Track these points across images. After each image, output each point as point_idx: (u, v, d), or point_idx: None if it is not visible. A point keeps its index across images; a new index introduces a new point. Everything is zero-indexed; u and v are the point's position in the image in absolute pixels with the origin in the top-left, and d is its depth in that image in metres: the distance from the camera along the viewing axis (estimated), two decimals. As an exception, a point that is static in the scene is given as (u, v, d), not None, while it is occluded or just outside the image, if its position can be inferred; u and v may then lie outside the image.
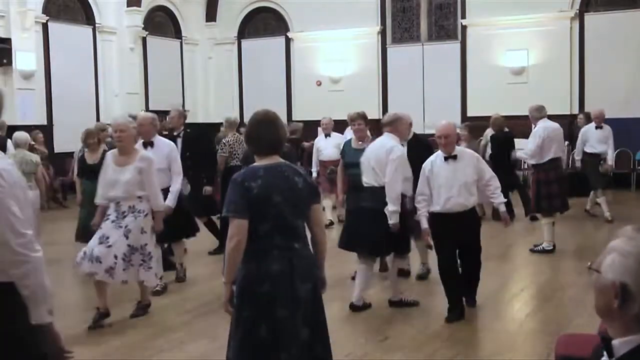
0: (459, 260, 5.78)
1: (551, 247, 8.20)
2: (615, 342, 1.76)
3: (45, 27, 14.47)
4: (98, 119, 14.39)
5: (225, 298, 3.30)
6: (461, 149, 5.85)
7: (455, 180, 5.56)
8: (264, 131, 3.37)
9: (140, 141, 6.55)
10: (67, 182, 13.07)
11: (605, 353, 1.77)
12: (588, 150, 10.31)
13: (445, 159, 5.62)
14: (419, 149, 6.39)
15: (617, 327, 1.76)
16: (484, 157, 8.59)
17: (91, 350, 5.05)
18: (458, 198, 5.57)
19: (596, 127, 10.33)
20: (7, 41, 13.27)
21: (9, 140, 8.73)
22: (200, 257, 8.10)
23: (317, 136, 10.96)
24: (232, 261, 3.24)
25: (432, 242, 5.81)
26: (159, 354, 4.99)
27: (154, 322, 5.76)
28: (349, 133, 8.70)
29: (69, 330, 5.48)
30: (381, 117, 15.43)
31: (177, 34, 18.16)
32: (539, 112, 8.32)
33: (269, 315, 3.20)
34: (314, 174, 10.00)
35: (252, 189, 3.21)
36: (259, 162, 3.35)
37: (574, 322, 5.29)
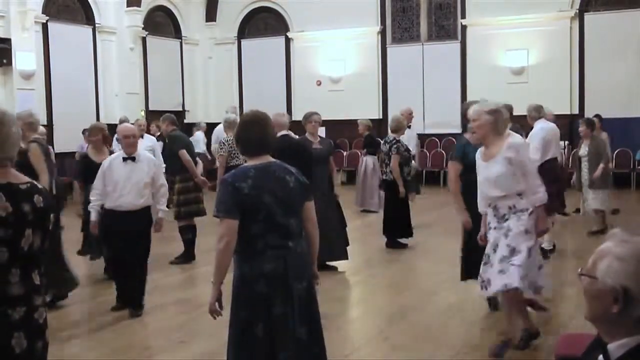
0: None
1: (551, 247, 8.20)
2: (611, 346, 1.75)
3: (45, 27, 14.46)
4: (98, 119, 14.40)
5: (212, 298, 3.29)
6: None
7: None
8: (253, 132, 3.37)
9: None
10: (67, 183, 13.04)
11: (601, 357, 1.77)
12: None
13: None
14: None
15: (614, 332, 1.75)
16: None
17: (91, 350, 5.05)
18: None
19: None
20: (7, 41, 13.27)
21: None
22: (199, 256, 8.09)
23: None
24: (221, 262, 3.24)
25: None
26: (159, 354, 4.99)
27: (154, 322, 5.76)
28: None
29: (69, 332, 5.49)
30: (381, 117, 15.44)
31: (177, 34, 18.15)
32: (538, 112, 8.27)
33: (265, 314, 3.20)
34: None
35: (243, 190, 3.21)
36: (250, 163, 3.36)
37: (574, 322, 5.29)
